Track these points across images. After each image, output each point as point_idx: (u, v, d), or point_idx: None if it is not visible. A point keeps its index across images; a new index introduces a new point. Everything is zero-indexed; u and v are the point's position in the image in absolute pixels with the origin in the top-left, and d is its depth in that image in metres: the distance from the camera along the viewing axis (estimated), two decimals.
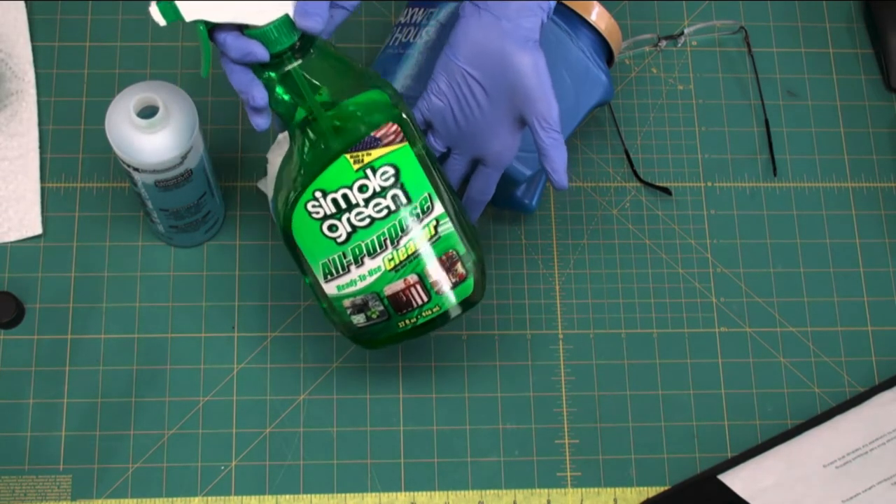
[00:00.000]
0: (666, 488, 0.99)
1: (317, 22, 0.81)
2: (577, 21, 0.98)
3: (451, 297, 0.87)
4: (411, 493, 0.98)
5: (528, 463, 0.99)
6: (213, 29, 0.81)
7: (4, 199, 1.02)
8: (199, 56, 1.08)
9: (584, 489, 0.99)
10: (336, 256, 0.86)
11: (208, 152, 0.95)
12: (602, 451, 1.00)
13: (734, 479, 0.97)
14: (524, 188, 1.00)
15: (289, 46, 0.81)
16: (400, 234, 0.85)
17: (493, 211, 1.06)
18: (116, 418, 0.98)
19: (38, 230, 1.02)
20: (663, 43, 1.11)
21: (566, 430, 1.00)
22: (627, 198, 1.08)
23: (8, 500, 0.95)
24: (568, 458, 1.00)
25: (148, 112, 0.88)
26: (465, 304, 0.87)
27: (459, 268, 0.86)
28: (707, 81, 1.12)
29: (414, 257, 0.86)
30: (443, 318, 0.87)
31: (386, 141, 0.84)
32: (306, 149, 0.84)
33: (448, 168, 0.91)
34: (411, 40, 0.98)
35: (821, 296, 1.06)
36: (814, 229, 1.08)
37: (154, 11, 0.79)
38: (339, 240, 0.86)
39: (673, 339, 1.03)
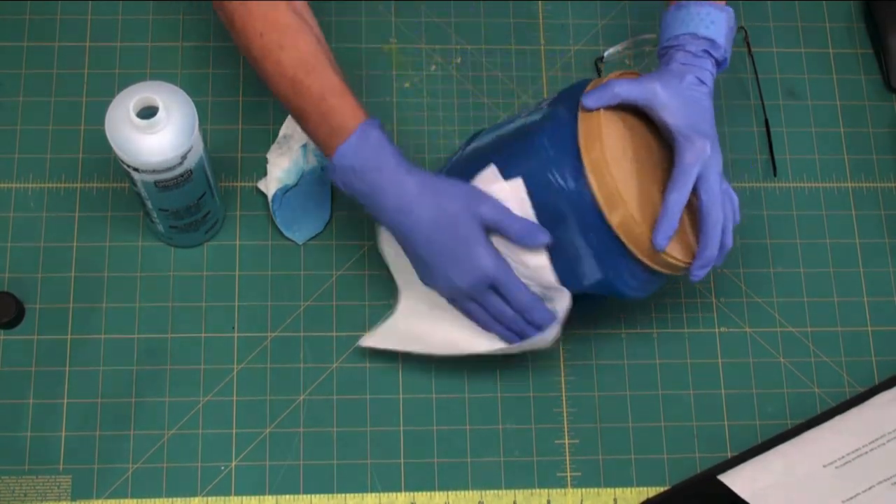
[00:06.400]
0: (666, 488, 0.99)
1: None
2: None
3: None
4: (411, 493, 0.98)
5: (528, 463, 0.99)
6: None
7: None
8: (201, 56, 1.08)
9: (584, 489, 0.99)
10: None
11: (208, 152, 0.95)
12: (602, 451, 1.00)
13: (734, 479, 0.97)
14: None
15: None
16: None
17: None
18: (116, 418, 0.98)
19: None
20: None
21: (566, 430, 1.00)
22: None
23: (8, 500, 0.95)
24: (568, 458, 1.00)
25: (148, 112, 0.88)
26: None
27: None
28: None
29: None
30: None
31: None
32: None
33: None
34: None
35: (821, 296, 1.06)
36: (814, 229, 1.08)
37: None
38: None
39: (673, 339, 1.03)
